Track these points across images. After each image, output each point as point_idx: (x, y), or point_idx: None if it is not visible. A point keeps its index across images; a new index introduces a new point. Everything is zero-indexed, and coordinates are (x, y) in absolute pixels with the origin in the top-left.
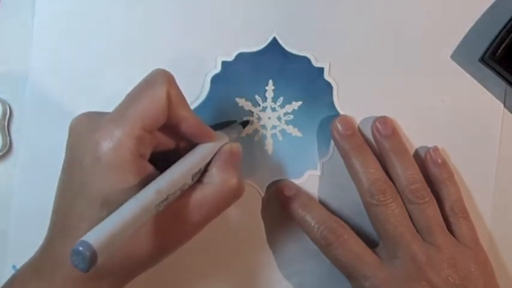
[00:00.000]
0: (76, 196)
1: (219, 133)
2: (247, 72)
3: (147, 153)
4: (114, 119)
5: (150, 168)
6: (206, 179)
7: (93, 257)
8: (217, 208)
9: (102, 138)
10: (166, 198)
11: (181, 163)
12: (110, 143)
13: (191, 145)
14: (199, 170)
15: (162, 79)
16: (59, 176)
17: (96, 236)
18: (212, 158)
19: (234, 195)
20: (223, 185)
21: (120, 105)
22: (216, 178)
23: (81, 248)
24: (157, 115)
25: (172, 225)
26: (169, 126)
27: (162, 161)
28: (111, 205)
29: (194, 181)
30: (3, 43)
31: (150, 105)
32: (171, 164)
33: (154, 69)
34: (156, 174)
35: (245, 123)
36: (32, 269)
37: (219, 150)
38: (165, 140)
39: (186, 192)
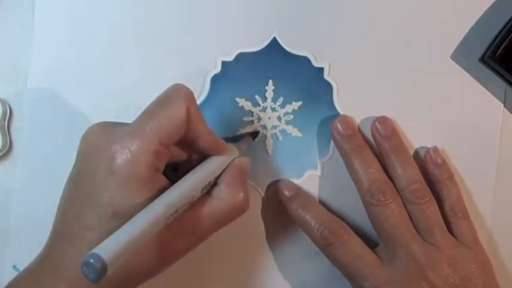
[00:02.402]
0: (84, 206)
1: (230, 145)
2: (247, 72)
3: (162, 166)
4: (132, 133)
5: (163, 181)
6: (215, 193)
7: (103, 269)
8: (223, 222)
9: (118, 152)
10: (176, 211)
11: (192, 176)
12: (126, 156)
13: (202, 155)
14: (209, 183)
15: (182, 95)
16: (64, 182)
17: (106, 248)
18: (222, 171)
19: (240, 211)
20: (230, 201)
21: (138, 119)
22: (225, 193)
23: (92, 260)
24: (175, 131)
25: (178, 236)
26: (185, 140)
27: (172, 170)
28: (122, 217)
29: (203, 193)
30: (3, 43)
31: (169, 121)
32: (181, 175)
33: (174, 84)
34: (168, 187)
35: (255, 135)
36: (32, 278)
37: (229, 164)
38: (178, 152)
39: (195, 204)
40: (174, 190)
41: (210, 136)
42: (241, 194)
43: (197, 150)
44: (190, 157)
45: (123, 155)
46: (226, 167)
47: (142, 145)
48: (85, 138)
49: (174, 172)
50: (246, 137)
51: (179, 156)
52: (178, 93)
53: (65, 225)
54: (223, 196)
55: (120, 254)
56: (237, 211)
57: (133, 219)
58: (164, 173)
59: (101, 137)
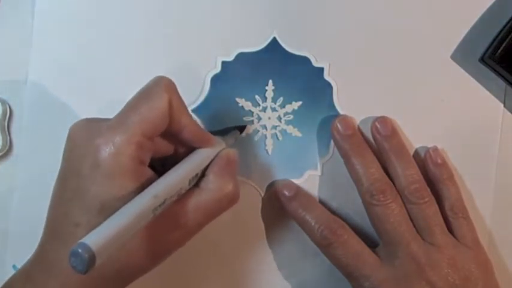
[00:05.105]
0: (73, 202)
1: (216, 138)
2: (247, 72)
3: (147, 159)
4: (115, 126)
5: (149, 173)
6: (203, 184)
7: (92, 259)
8: (212, 213)
9: (102, 145)
10: (164, 202)
11: (179, 168)
12: (110, 149)
13: (189, 149)
14: (196, 174)
15: (164, 87)
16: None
17: (94, 238)
18: (209, 163)
19: (229, 201)
20: (219, 191)
21: (121, 112)
22: (213, 184)
23: (80, 250)
24: (158, 123)
25: (167, 230)
26: (169, 132)
27: (160, 164)
28: (109, 211)
29: (191, 185)
30: (3, 43)
31: (151, 112)
32: (168, 168)
33: (156, 76)
34: (155, 180)
35: (242, 128)
36: (25, 276)
37: (216, 155)
38: (164, 145)
39: (183, 196)
40: (161, 181)
41: (194, 127)
42: (230, 184)
43: (183, 142)
44: (177, 151)
45: (107, 148)
46: (214, 158)
47: (125, 137)
48: (70, 135)
49: (162, 166)
50: (233, 130)
51: (166, 150)
52: (159, 84)
53: (54, 223)
54: (212, 187)
55: (108, 244)
56: (225, 202)
57: (121, 210)
58: (153, 168)
59: (85, 133)
